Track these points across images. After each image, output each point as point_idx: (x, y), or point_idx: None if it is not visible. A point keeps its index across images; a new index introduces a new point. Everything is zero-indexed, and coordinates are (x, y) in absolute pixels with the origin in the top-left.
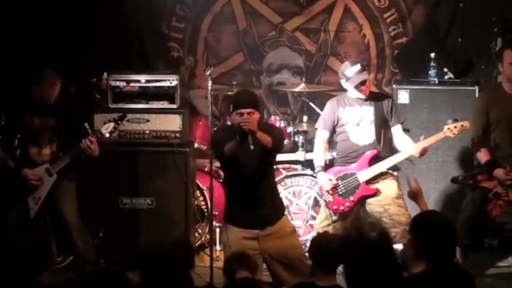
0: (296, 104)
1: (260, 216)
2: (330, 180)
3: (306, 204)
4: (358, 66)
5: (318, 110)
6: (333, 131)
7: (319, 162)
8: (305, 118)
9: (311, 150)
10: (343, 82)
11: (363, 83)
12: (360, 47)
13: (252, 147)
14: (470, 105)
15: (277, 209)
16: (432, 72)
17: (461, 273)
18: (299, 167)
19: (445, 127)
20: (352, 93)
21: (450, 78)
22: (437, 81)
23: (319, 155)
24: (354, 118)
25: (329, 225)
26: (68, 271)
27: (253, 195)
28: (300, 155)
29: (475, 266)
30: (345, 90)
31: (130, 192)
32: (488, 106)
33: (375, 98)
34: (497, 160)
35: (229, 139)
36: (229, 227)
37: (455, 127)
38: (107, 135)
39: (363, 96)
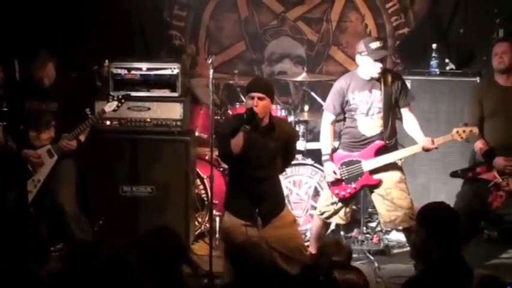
0: (297, 94)
1: (262, 210)
2: (335, 173)
3: (306, 194)
4: (380, 43)
5: (319, 99)
6: (340, 113)
7: (326, 150)
8: (306, 107)
9: (312, 140)
10: (361, 56)
11: (382, 59)
12: (361, 37)
13: (260, 137)
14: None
15: (279, 204)
16: (434, 63)
17: (464, 267)
18: (300, 156)
19: (454, 130)
20: (366, 70)
21: (452, 69)
22: (438, 72)
23: (326, 141)
24: (363, 106)
25: (331, 204)
26: None
27: (257, 189)
28: (300, 145)
29: (474, 258)
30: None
31: (131, 181)
32: (482, 98)
33: (385, 78)
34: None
35: (235, 130)
36: (229, 214)
37: (463, 131)
38: (111, 110)
39: (375, 75)
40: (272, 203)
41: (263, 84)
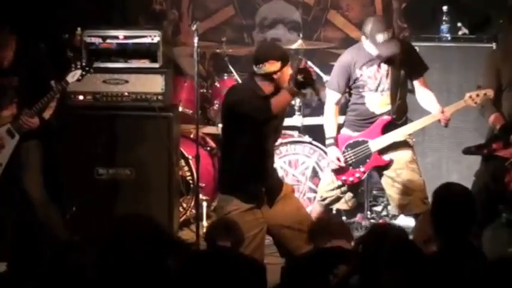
0: (292, 63)
1: (271, 189)
2: (338, 160)
3: (303, 174)
4: (388, 33)
5: (317, 69)
6: (345, 91)
7: (330, 133)
8: None
9: (309, 115)
10: (366, 40)
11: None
12: None
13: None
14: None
15: (280, 181)
16: (444, 27)
17: (477, 255)
18: (295, 133)
19: (467, 95)
20: (372, 49)
21: (464, 34)
22: (449, 38)
23: (331, 123)
24: (372, 82)
25: (332, 190)
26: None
27: (267, 164)
28: (296, 120)
29: (491, 244)
30: (346, 46)
31: (107, 162)
32: (499, 66)
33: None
34: None
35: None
36: (230, 198)
37: (477, 95)
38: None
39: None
40: (276, 178)
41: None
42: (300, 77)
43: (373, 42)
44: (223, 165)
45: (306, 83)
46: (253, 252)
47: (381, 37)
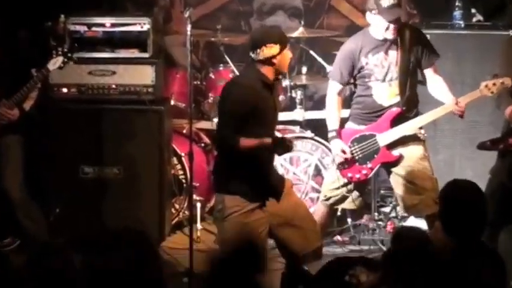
0: (293, 53)
1: (275, 185)
2: (344, 152)
3: (305, 173)
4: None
5: (319, 59)
6: (349, 81)
7: (332, 125)
8: (304, 69)
9: (311, 108)
10: (371, 14)
11: (396, 20)
12: None
13: (269, 95)
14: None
15: (282, 176)
16: (457, 13)
17: (491, 255)
18: (297, 128)
19: (482, 84)
20: (378, 30)
21: (479, 20)
22: (463, 25)
23: (333, 114)
24: (378, 71)
25: (338, 188)
26: (20, 254)
27: (268, 160)
28: (298, 114)
29: (508, 246)
30: (351, 34)
31: (93, 160)
32: None
33: (401, 35)
34: None
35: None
36: (232, 198)
37: (493, 84)
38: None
39: (389, 37)
40: (278, 174)
41: None
42: (279, 150)
43: (378, 10)
44: (221, 162)
45: (284, 152)
46: None
47: (385, 1)
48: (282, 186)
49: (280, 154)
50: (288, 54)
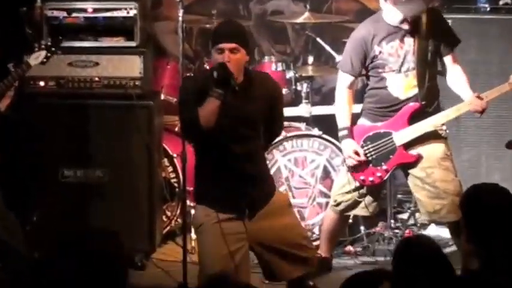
0: (298, 41)
1: (248, 198)
2: (357, 154)
3: (312, 176)
4: None
5: (328, 48)
6: (361, 73)
7: (343, 123)
8: (310, 59)
9: (319, 103)
10: (385, 3)
11: (415, 16)
12: None
13: (233, 98)
14: None
15: (269, 186)
16: None
17: None
18: (303, 125)
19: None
20: (392, 16)
21: (506, 4)
22: (488, 8)
23: (344, 110)
24: (394, 60)
25: (349, 193)
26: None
27: (238, 170)
28: (304, 110)
29: None
30: (363, 20)
31: (74, 162)
32: None
33: (419, 21)
34: None
35: (202, 95)
36: (201, 208)
37: None
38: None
39: (406, 27)
40: (260, 186)
41: (235, 31)
42: (214, 74)
43: (394, 1)
44: (195, 170)
45: (221, 79)
46: (235, 273)
47: None
48: (259, 203)
49: (225, 84)
50: (215, 58)
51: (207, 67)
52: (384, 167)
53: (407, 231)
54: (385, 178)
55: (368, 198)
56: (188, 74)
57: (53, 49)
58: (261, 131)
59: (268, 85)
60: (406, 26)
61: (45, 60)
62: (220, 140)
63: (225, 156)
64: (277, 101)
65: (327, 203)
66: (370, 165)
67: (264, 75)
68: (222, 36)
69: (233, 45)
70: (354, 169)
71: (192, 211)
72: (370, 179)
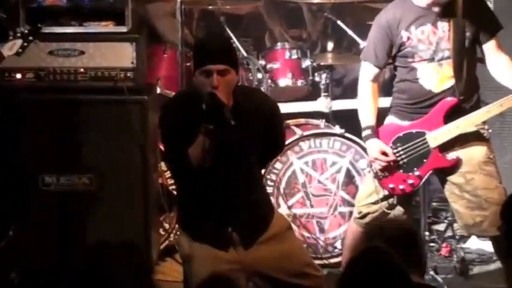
0: (316, 24)
1: (239, 229)
2: (384, 154)
3: (333, 181)
4: None
5: (349, 31)
6: (388, 63)
7: (367, 121)
8: (330, 46)
9: (340, 96)
10: None
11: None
12: None
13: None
14: None
15: (265, 215)
16: None
17: None
18: (322, 122)
19: None
20: None
21: None
22: None
23: (367, 107)
24: (425, 48)
25: (376, 203)
26: None
27: (227, 199)
28: (322, 104)
29: None
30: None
31: (57, 167)
32: None
33: (455, 1)
34: None
35: (189, 124)
36: (187, 237)
37: None
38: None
39: (437, 10)
40: (253, 216)
41: (223, 48)
42: (204, 107)
43: None
44: (177, 191)
45: (211, 112)
46: None
47: None
48: (254, 231)
49: (216, 118)
50: (200, 82)
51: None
52: (417, 173)
53: (444, 245)
54: (419, 186)
55: (398, 209)
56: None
57: (30, 38)
58: (253, 158)
59: (258, 103)
60: (436, 9)
61: (20, 50)
62: (207, 170)
63: (211, 185)
64: (273, 122)
65: (351, 213)
66: (401, 170)
67: (255, 94)
68: (208, 55)
69: (222, 66)
70: (382, 173)
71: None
72: (401, 187)
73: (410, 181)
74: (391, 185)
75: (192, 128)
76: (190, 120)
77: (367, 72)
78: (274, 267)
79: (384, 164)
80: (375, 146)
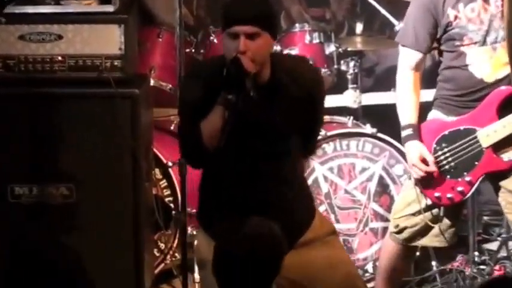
0: (341, 2)
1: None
2: (425, 162)
3: (363, 190)
4: None
5: (383, 10)
6: (431, 47)
7: (407, 119)
8: (359, 27)
9: (371, 89)
10: None
11: None
12: None
13: (255, 104)
14: None
15: (307, 213)
16: None
17: None
18: (349, 120)
19: None
20: None
21: None
22: None
23: (407, 101)
24: (476, 29)
25: (417, 214)
26: None
27: (263, 193)
28: (350, 98)
29: None
30: None
31: (30, 175)
32: None
33: None
34: None
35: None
36: (205, 237)
37: None
38: None
39: None
40: (288, 216)
41: (255, 7)
42: (225, 73)
43: None
44: (200, 185)
45: (232, 80)
46: None
47: None
48: (296, 231)
49: (238, 87)
50: (227, 46)
51: (215, 40)
52: (467, 178)
53: (497, 267)
54: (469, 194)
55: (444, 223)
56: (197, 58)
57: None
58: (293, 144)
59: (304, 77)
60: None
61: None
62: (238, 158)
63: (245, 177)
64: (315, 98)
65: (384, 229)
66: (448, 176)
67: (297, 63)
68: (236, 14)
69: (252, 28)
70: (424, 181)
71: (196, 242)
72: (449, 195)
73: (459, 188)
74: (436, 194)
75: (213, 101)
76: (211, 91)
77: (406, 58)
78: (312, 277)
79: (422, 174)
80: (415, 150)
